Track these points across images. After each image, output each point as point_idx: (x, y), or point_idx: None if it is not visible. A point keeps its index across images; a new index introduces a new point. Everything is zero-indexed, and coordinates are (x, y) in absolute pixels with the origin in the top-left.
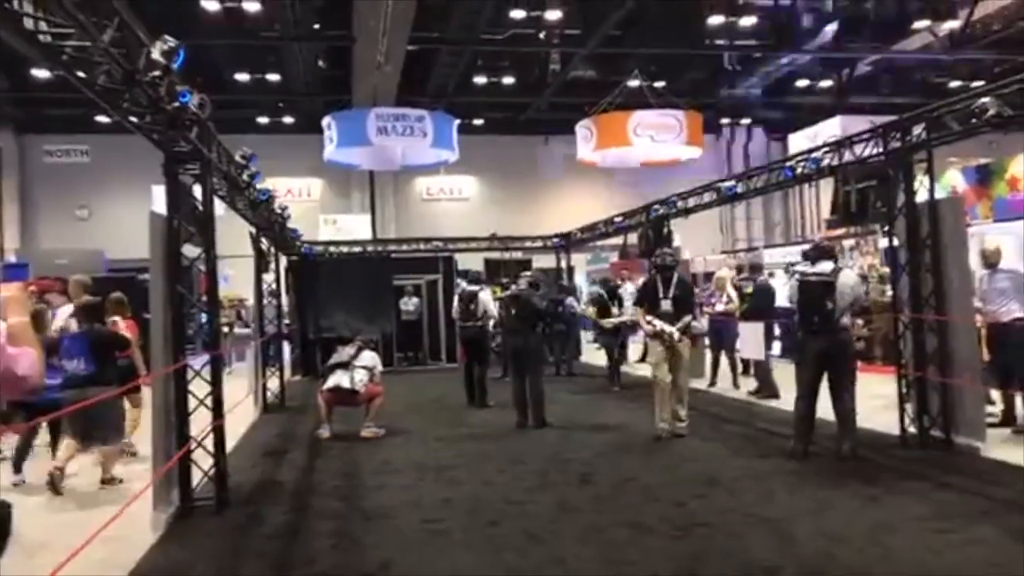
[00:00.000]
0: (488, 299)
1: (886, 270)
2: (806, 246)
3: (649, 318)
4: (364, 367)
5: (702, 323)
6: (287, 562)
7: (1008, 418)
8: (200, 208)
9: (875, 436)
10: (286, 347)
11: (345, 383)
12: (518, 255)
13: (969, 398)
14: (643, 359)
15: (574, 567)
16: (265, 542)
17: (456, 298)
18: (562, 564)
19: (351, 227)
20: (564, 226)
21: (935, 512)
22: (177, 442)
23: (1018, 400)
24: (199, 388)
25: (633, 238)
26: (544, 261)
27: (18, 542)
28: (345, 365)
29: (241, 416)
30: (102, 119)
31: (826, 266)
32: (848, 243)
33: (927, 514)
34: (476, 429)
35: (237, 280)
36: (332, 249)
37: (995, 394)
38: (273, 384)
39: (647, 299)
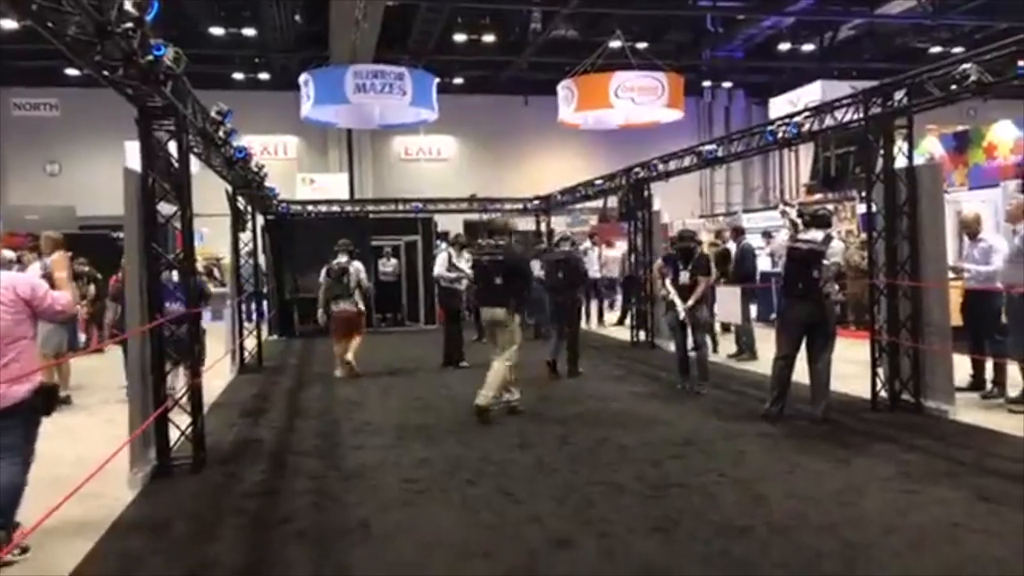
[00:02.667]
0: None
1: (863, 236)
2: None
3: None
4: (358, 286)
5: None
6: (265, 521)
7: (978, 383)
8: (175, 165)
9: (847, 400)
10: (264, 307)
11: (351, 307)
12: (497, 216)
13: (939, 363)
14: (621, 321)
15: (551, 525)
16: (243, 500)
17: (442, 259)
18: (539, 522)
19: (328, 186)
20: (544, 188)
21: (902, 473)
22: (154, 401)
23: (988, 365)
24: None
25: (613, 201)
26: (523, 223)
27: None
28: (344, 294)
29: (218, 376)
30: (73, 72)
31: (817, 234)
32: (826, 208)
33: (894, 475)
34: (455, 390)
35: (212, 238)
36: (310, 208)
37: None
38: (250, 344)
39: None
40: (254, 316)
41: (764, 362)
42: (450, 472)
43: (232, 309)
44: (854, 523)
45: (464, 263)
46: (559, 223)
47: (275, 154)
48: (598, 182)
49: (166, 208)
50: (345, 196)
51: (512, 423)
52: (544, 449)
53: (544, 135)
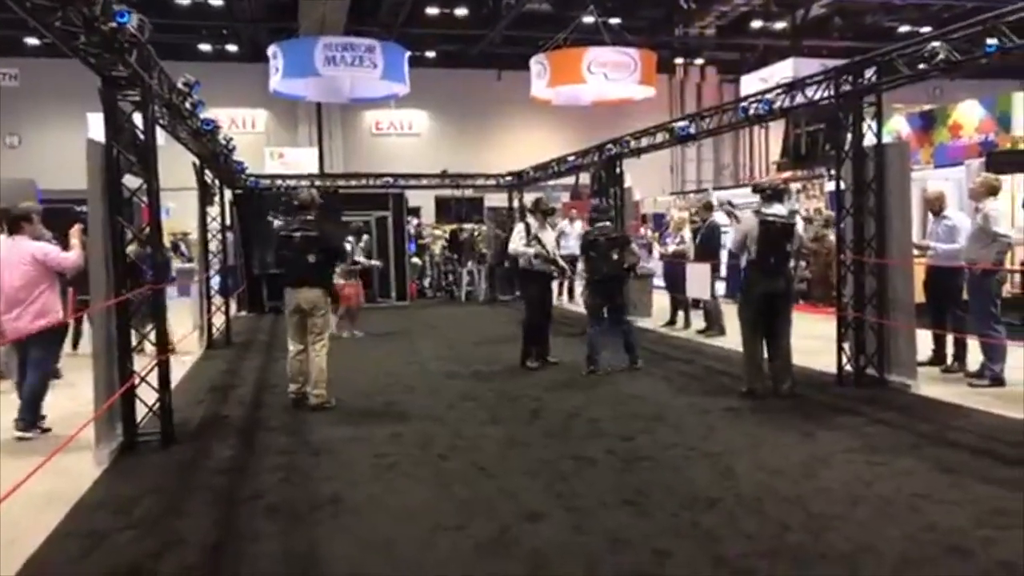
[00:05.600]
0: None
1: (831, 213)
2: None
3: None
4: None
5: (651, 264)
6: (235, 496)
7: (939, 358)
8: (140, 137)
9: (813, 375)
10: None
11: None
12: (469, 193)
13: (903, 338)
14: None
15: (522, 499)
16: (212, 476)
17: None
18: (511, 496)
19: (297, 161)
20: (517, 164)
21: (867, 446)
22: (120, 376)
23: (949, 340)
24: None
25: (585, 178)
26: (496, 200)
27: None
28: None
29: (186, 352)
30: (33, 41)
31: (781, 208)
32: (795, 186)
33: (859, 448)
34: (425, 364)
35: (179, 213)
36: (279, 183)
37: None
38: (218, 320)
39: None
40: (221, 292)
41: (732, 337)
42: (422, 447)
43: (200, 285)
44: (820, 495)
45: (549, 236)
46: (530, 200)
47: (243, 127)
48: (570, 158)
49: (132, 182)
50: (315, 171)
51: (484, 400)
52: (515, 425)
53: (517, 111)
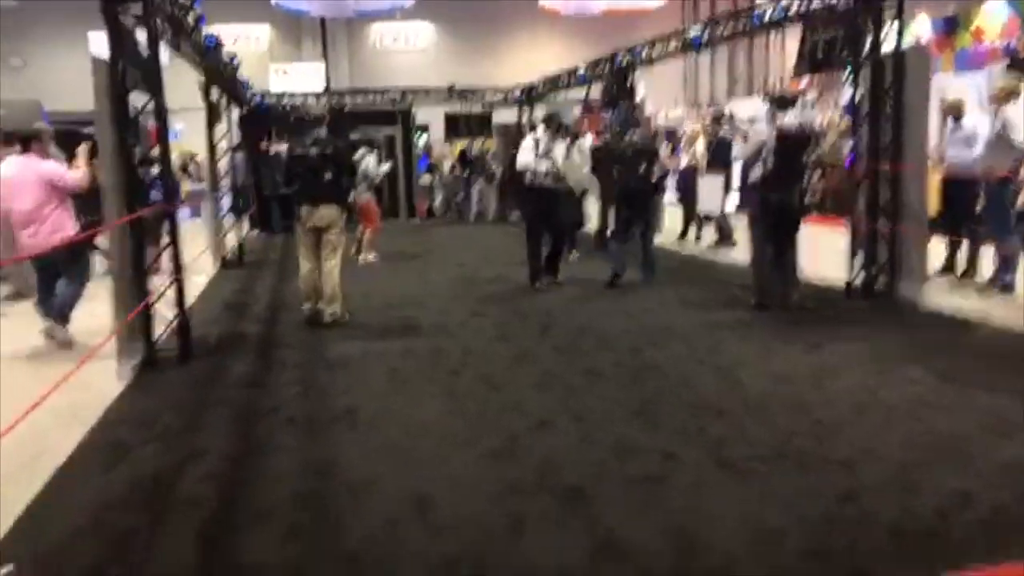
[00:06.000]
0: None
1: (846, 122)
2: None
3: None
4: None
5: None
6: (253, 410)
7: (950, 268)
8: (144, 54)
9: (822, 288)
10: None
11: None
12: (477, 108)
13: (915, 249)
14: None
15: (532, 411)
16: (230, 391)
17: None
18: (520, 409)
19: (303, 77)
20: (526, 78)
21: (874, 356)
22: (137, 294)
23: (961, 251)
24: None
25: (597, 92)
26: (506, 116)
27: None
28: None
29: (200, 272)
30: None
31: (795, 117)
32: (810, 96)
33: (866, 358)
34: (440, 283)
35: (185, 134)
36: (284, 101)
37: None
38: (230, 240)
39: None
40: (232, 212)
41: (743, 250)
42: (433, 362)
43: (212, 204)
44: (826, 403)
45: (560, 151)
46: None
47: (246, 44)
48: (581, 70)
49: (138, 100)
50: (320, 88)
51: (493, 316)
52: (525, 340)
53: (526, 23)
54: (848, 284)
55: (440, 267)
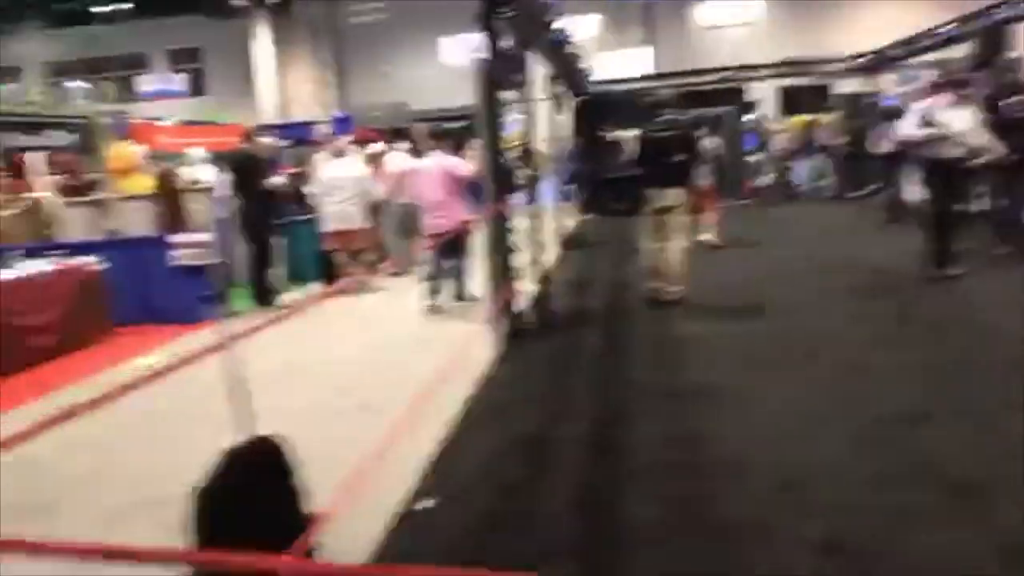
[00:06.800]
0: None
1: None
2: None
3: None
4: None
5: None
6: (612, 379)
7: None
8: (512, 53)
9: None
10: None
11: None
12: (813, 80)
13: None
14: None
15: (898, 400)
16: (587, 360)
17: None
18: (887, 398)
19: (630, 63)
20: (864, 46)
21: None
22: (503, 273)
23: None
24: None
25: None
26: (845, 86)
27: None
28: None
29: (544, 252)
30: None
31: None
32: None
33: None
34: (780, 263)
35: (528, 124)
36: (616, 87)
37: None
38: (568, 223)
39: None
40: (568, 197)
41: None
42: (784, 343)
43: (552, 190)
44: None
45: (951, 115)
46: (886, 84)
47: (576, 34)
48: (941, 30)
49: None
50: (649, 71)
51: (842, 298)
52: (883, 326)
53: None
54: None
55: (779, 248)
